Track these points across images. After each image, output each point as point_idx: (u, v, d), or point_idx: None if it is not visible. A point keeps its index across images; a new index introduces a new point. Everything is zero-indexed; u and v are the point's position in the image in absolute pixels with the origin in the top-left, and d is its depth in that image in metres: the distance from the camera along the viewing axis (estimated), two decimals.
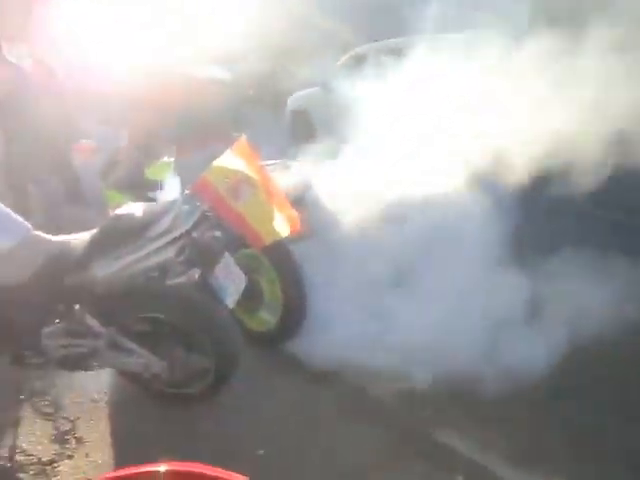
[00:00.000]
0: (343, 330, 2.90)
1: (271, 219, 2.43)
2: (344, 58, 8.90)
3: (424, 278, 2.93)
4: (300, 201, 2.94)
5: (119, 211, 2.37)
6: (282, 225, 2.47)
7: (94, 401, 2.71)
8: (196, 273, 2.25)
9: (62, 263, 2.33)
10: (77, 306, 2.42)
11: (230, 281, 2.40)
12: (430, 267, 2.94)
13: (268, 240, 2.44)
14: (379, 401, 2.62)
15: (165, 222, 2.21)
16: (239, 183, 2.35)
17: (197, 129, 3.34)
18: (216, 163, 2.33)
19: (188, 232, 2.23)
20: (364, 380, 2.69)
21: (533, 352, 2.53)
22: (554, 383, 2.44)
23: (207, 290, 2.32)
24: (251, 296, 2.88)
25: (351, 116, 3.42)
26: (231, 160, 2.33)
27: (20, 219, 2.46)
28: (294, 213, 2.57)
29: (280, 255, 2.95)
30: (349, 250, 3.02)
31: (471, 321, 2.72)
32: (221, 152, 2.76)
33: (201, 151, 3.20)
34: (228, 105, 3.77)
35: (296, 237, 2.96)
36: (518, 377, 2.37)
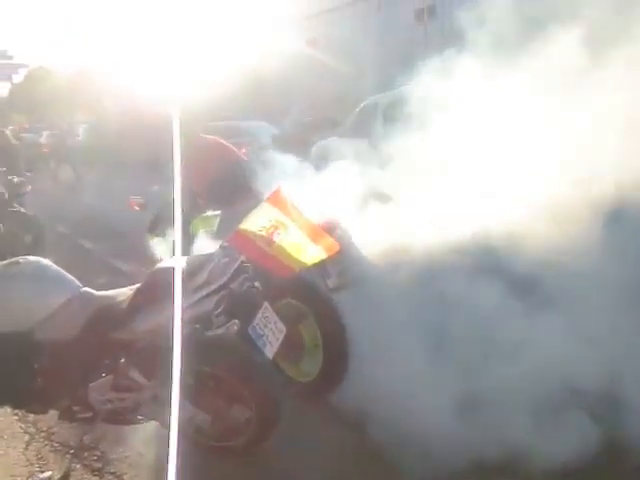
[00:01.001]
0: (388, 383, 2.82)
1: (301, 249, 2.44)
2: (358, 108, 9.16)
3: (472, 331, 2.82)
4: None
5: (159, 265, 2.45)
6: (313, 252, 2.48)
7: (140, 455, 2.72)
8: (235, 324, 2.27)
9: (108, 318, 2.41)
10: (122, 360, 2.48)
11: (269, 331, 2.42)
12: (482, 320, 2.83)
13: (297, 267, 2.44)
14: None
15: (204, 274, 2.27)
16: (274, 230, 2.40)
17: (241, 183, 3.47)
18: (252, 215, 2.40)
19: (226, 284, 2.28)
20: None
21: None
22: None
23: (246, 341, 2.33)
24: (292, 346, 2.87)
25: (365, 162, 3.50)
26: (267, 210, 2.40)
27: (70, 276, 2.58)
28: (329, 239, 2.56)
29: (321, 304, 2.95)
30: (395, 299, 2.99)
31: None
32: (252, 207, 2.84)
33: (245, 204, 3.30)
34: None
35: (337, 283, 2.97)
36: None
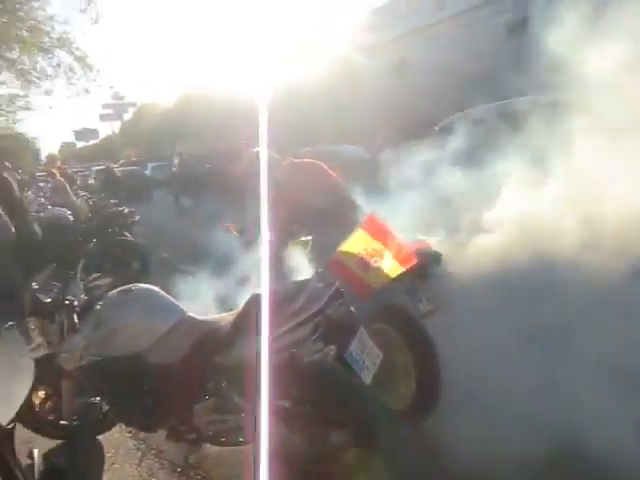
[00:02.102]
0: (484, 412, 2.70)
1: (380, 267, 2.43)
2: (440, 125, 8.97)
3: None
4: (425, 272, 2.91)
5: (258, 291, 2.52)
6: (391, 268, 2.45)
7: (238, 476, 2.79)
8: (332, 350, 2.29)
9: (212, 343, 2.52)
10: (224, 383, 2.57)
11: (365, 356, 2.40)
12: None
13: (375, 285, 2.43)
14: None
15: (301, 300, 2.32)
16: (370, 258, 2.41)
17: (324, 211, 3.51)
18: (347, 242, 2.42)
19: (322, 309, 2.30)
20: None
21: None
22: None
23: (343, 366, 2.33)
24: (383, 372, 2.84)
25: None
26: (362, 237, 2.41)
27: (176, 302, 2.74)
28: (408, 252, 2.54)
29: (412, 329, 2.90)
30: (487, 324, 2.87)
31: None
32: (349, 232, 2.86)
33: (337, 230, 3.34)
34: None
35: (428, 309, 2.91)
36: None
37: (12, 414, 1.29)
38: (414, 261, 2.50)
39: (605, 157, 3.20)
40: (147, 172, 24.74)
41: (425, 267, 2.89)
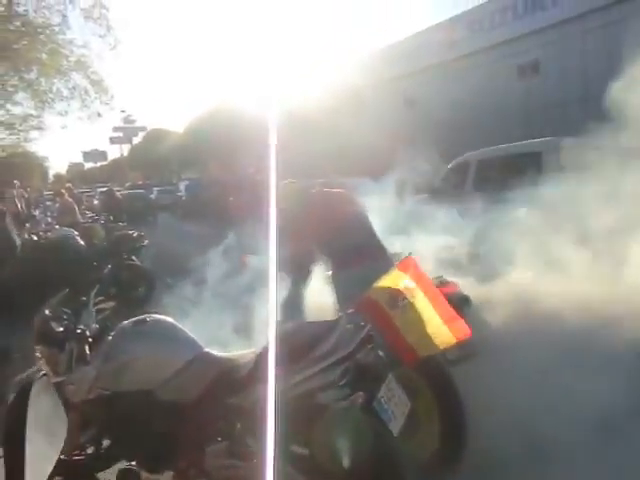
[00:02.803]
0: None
1: (428, 331, 2.28)
2: (450, 165, 8.98)
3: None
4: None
5: (284, 329, 2.39)
6: (442, 337, 2.30)
7: None
8: (360, 397, 2.14)
9: (229, 382, 2.37)
10: (239, 426, 2.42)
11: (393, 405, 2.26)
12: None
13: (422, 353, 2.28)
14: None
15: (330, 342, 2.18)
16: (399, 294, 2.29)
17: (354, 244, 3.40)
18: (381, 281, 2.30)
19: (352, 353, 2.17)
20: None
21: None
22: None
23: (371, 415, 2.19)
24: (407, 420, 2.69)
25: None
26: (397, 277, 2.29)
27: (192, 337, 2.60)
28: (460, 322, 2.39)
29: (438, 377, 2.77)
30: (516, 373, 2.73)
31: None
32: (378, 268, 2.73)
33: (358, 266, 3.22)
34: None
35: (457, 355, 2.78)
36: None
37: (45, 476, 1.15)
38: (468, 333, 2.34)
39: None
40: (153, 196, 24.88)
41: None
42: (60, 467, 2.69)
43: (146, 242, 7.16)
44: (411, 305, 2.24)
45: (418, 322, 2.23)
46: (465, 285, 3.09)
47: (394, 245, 3.69)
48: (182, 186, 25.90)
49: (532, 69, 18.82)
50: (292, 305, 3.47)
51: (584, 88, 14.87)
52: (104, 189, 20.02)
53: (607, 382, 2.61)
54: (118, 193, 17.69)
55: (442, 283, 2.96)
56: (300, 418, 2.29)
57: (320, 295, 3.42)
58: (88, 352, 2.53)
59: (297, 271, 3.59)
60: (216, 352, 2.54)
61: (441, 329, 2.26)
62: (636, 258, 3.17)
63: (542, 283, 3.26)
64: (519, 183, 4.68)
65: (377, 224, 3.69)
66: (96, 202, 21.42)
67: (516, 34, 18.77)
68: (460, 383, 2.75)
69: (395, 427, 2.23)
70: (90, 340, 2.57)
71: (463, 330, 2.34)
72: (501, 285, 3.25)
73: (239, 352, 2.51)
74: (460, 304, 2.82)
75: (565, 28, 17.17)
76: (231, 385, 2.38)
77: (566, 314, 2.95)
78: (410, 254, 2.41)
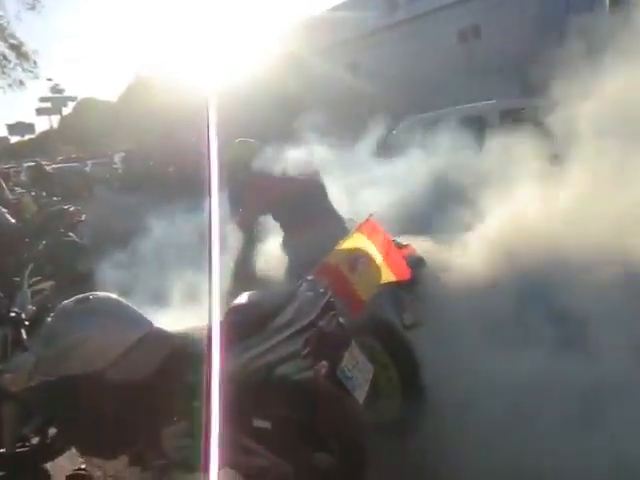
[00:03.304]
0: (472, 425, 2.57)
1: (375, 275, 2.31)
2: (394, 129, 8.99)
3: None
4: (410, 281, 2.75)
5: (239, 300, 2.27)
6: (383, 276, 2.34)
7: None
8: (324, 366, 2.06)
9: (183, 358, 2.24)
10: (196, 403, 2.30)
11: (357, 372, 2.21)
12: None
13: (366, 296, 2.29)
14: None
15: (289, 312, 2.09)
16: (358, 257, 2.24)
17: (304, 209, 3.29)
18: (341, 245, 2.21)
19: (314, 321, 2.09)
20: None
21: None
22: None
23: (335, 383, 2.12)
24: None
25: None
26: (357, 240, 2.21)
27: (141, 313, 2.44)
28: (403, 266, 2.45)
29: (395, 342, 2.75)
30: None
31: None
32: (331, 233, 2.64)
33: (310, 231, 3.12)
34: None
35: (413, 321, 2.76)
36: None
37: None
38: (408, 275, 2.34)
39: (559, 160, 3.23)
40: (87, 169, 23.82)
41: (410, 276, 2.72)
42: (1, 461, 2.51)
43: (83, 217, 6.77)
44: (369, 267, 2.20)
45: (369, 273, 2.22)
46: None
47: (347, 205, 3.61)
48: (117, 158, 24.91)
49: (473, 34, 18.98)
50: (242, 268, 3.34)
51: (522, 53, 15.16)
52: (31, 164, 18.91)
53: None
54: (48, 167, 16.71)
55: (397, 246, 2.92)
56: (262, 391, 2.21)
57: (274, 261, 3.30)
58: (25, 337, 2.32)
59: (245, 233, 3.48)
60: (168, 328, 2.40)
61: (382, 270, 2.27)
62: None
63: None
64: (462, 144, 4.71)
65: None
66: (23, 178, 20.22)
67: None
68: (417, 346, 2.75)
69: (360, 395, 2.18)
70: (26, 324, 2.36)
71: (403, 272, 2.39)
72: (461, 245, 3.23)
73: (192, 326, 2.36)
74: (415, 266, 2.79)
75: None
76: (186, 361, 2.25)
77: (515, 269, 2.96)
78: (371, 216, 2.34)
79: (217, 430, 1.83)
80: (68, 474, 2.40)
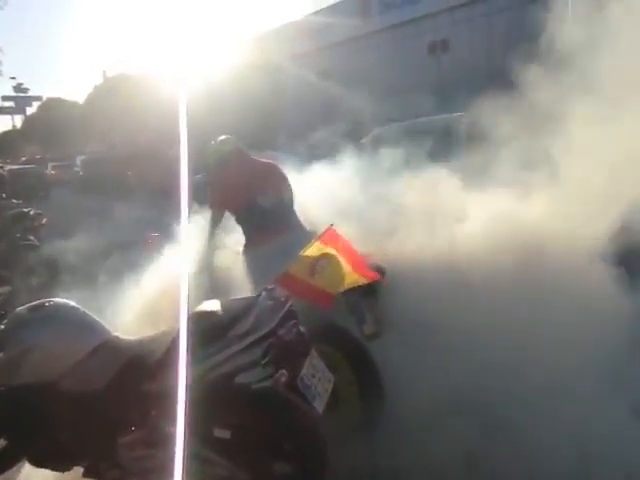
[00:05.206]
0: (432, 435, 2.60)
1: (341, 274, 2.36)
2: (365, 138, 9.09)
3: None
4: (370, 289, 2.77)
5: (199, 309, 2.25)
6: (352, 277, 2.39)
7: None
8: (283, 375, 2.06)
9: (140, 367, 2.21)
10: (153, 413, 2.26)
11: (317, 381, 2.21)
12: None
13: (335, 292, 2.32)
14: None
15: (249, 320, 2.08)
16: (317, 261, 2.26)
17: (264, 220, 3.28)
18: (301, 255, 2.21)
19: (274, 330, 2.08)
20: None
21: None
22: None
23: (295, 392, 2.12)
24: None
25: None
26: (317, 250, 2.22)
27: (99, 321, 2.39)
28: (371, 270, 2.48)
29: (355, 351, 2.76)
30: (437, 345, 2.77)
31: None
32: (292, 241, 2.64)
33: (271, 240, 3.11)
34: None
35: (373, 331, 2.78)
36: None
37: None
38: (376, 275, 2.36)
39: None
40: (47, 171, 23.36)
41: (371, 284, 2.74)
42: None
43: (44, 221, 6.60)
44: (327, 266, 2.22)
45: (333, 273, 2.24)
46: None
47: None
48: (78, 160, 24.51)
49: (442, 46, 19.36)
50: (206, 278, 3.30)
51: (489, 65, 15.53)
52: None
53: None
54: (7, 168, 16.27)
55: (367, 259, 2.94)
56: (221, 400, 2.19)
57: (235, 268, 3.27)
58: None
59: (211, 225, 3.47)
60: (126, 336, 2.35)
61: (351, 273, 2.30)
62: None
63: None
64: (428, 156, 4.77)
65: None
66: None
67: (427, 12, 19.21)
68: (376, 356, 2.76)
69: (320, 405, 2.18)
70: None
71: (372, 275, 2.41)
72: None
73: (151, 335, 2.33)
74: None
75: (473, 8, 17.82)
76: (143, 370, 2.21)
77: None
78: (331, 225, 2.35)
79: (182, 439, 1.82)
80: None
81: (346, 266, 2.35)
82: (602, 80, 3.15)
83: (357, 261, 2.43)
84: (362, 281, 2.40)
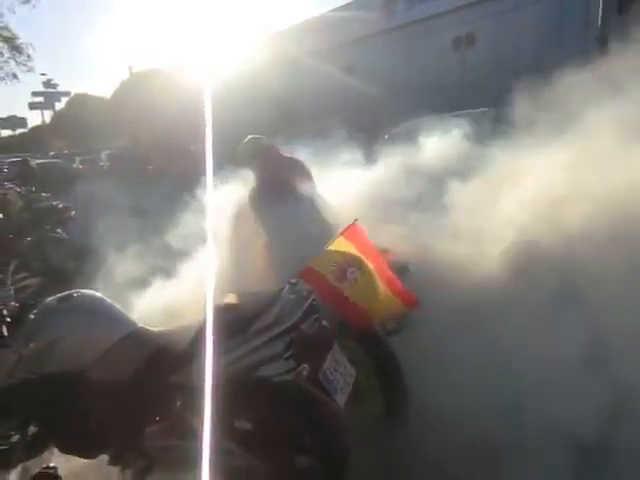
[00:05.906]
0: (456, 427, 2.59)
1: (379, 299, 2.31)
2: (387, 135, 9.00)
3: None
4: None
5: (224, 301, 2.27)
6: (393, 304, 2.33)
7: None
8: (305, 369, 2.07)
9: (166, 358, 2.25)
10: (179, 403, 2.30)
11: (339, 375, 2.22)
12: None
13: (376, 318, 2.28)
14: None
15: (272, 314, 2.10)
16: (347, 267, 2.24)
17: (291, 212, 3.29)
18: (325, 250, 2.22)
19: (296, 324, 2.09)
20: None
21: None
22: None
23: (317, 386, 2.13)
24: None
25: None
26: (341, 246, 2.22)
27: (125, 312, 2.44)
28: (408, 293, 2.42)
29: (379, 346, 2.76)
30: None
31: None
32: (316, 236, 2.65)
33: (293, 234, 3.13)
34: None
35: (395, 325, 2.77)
36: None
37: None
38: (415, 303, 2.36)
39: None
40: (75, 165, 23.78)
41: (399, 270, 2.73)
42: None
43: (73, 214, 6.73)
44: (360, 277, 2.21)
45: (368, 291, 2.23)
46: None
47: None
48: (103, 155, 24.93)
49: (468, 41, 19.11)
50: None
51: (516, 60, 15.28)
52: (15, 160, 18.82)
53: None
54: (34, 163, 16.63)
55: (382, 251, 2.93)
56: (243, 393, 2.21)
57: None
58: (6, 334, 2.31)
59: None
60: (152, 327, 2.39)
61: (391, 298, 2.26)
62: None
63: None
64: (456, 150, 4.72)
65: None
66: (5, 171, 20.10)
67: (452, 6, 18.97)
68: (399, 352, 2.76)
69: (341, 398, 2.19)
70: (9, 320, 2.34)
71: (412, 300, 2.34)
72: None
73: (177, 326, 2.36)
74: (399, 272, 2.80)
75: (500, 2, 17.54)
76: (169, 361, 2.25)
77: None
78: (356, 220, 2.34)
79: (209, 430, 1.85)
80: (34, 473, 2.38)
81: (381, 284, 2.34)
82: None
83: (390, 277, 2.42)
84: (401, 309, 2.40)
